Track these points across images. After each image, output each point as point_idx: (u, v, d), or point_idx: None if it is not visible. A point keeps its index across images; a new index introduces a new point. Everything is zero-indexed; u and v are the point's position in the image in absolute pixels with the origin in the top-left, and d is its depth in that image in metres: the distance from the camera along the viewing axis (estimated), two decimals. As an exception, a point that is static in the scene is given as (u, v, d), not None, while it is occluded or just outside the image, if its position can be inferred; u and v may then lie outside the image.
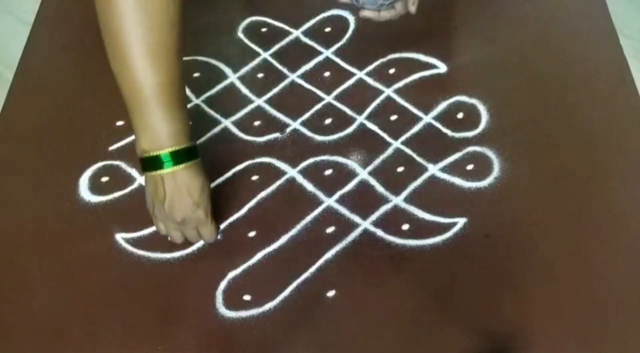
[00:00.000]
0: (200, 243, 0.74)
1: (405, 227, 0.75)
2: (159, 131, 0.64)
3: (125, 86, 0.64)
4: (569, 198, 0.76)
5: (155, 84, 0.62)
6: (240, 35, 0.93)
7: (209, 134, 0.83)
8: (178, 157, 0.65)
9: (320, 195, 0.77)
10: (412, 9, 0.81)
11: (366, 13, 0.82)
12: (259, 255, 0.73)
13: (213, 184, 0.79)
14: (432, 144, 0.81)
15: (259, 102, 0.86)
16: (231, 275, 0.72)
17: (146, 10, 0.61)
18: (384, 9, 0.81)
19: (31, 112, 0.87)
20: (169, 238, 0.71)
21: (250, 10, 0.96)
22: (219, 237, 0.74)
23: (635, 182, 0.78)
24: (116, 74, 0.64)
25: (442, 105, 0.85)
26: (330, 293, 0.70)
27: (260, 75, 0.89)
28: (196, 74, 0.89)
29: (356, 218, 0.76)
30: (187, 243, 0.73)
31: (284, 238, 0.74)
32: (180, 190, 0.66)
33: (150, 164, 0.65)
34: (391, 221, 0.75)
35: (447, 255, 0.72)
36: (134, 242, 0.75)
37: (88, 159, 0.81)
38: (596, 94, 0.85)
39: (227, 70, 0.89)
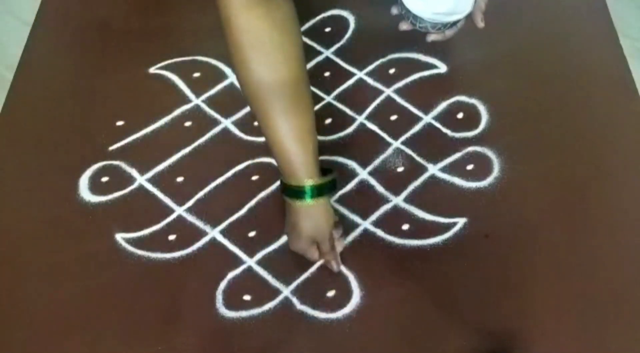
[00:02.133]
0: (201, 243, 0.74)
1: (405, 227, 0.75)
2: (308, 169, 0.67)
3: (273, 145, 0.67)
4: (569, 198, 0.76)
5: (298, 129, 0.66)
6: (240, 35, 0.93)
7: (209, 134, 0.83)
8: (320, 191, 0.68)
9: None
10: (481, 24, 0.81)
11: (433, 37, 0.83)
12: (259, 255, 0.73)
13: (213, 184, 0.79)
14: (432, 144, 0.81)
15: (259, 102, 0.86)
16: (231, 275, 0.72)
17: (291, 95, 0.65)
18: (447, 29, 0.82)
19: (31, 112, 0.87)
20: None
21: (250, 10, 0.96)
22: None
23: (635, 182, 0.78)
24: (267, 135, 0.67)
25: (442, 105, 0.85)
26: (330, 293, 0.70)
27: (260, 75, 0.89)
28: (196, 74, 0.89)
29: (356, 218, 0.76)
30: (186, 242, 0.74)
31: (284, 238, 0.74)
32: (312, 220, 0.69)
33: (295, 192, 0.68)
34: (391, 221, 0.75)
35: (447, 255, 0.72)
36: (134, 242, 0.75)
37: (88, 159, 0.81)
38: (596, 94, 0.85)
39: (227, 70, 0.89)
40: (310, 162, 0.66)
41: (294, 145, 0.65)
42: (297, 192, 0.67)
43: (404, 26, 0.84)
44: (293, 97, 0.65)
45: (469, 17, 0.82)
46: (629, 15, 1.01)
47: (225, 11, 0.61)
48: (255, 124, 0.84)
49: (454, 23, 0.81)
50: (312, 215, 0.68)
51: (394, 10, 0.86)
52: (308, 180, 0.66)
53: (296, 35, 0.66)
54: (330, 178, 0.69)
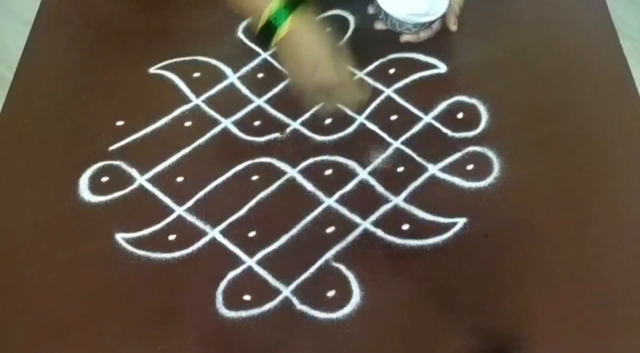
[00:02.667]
0: (201, 243, 0.74)
1: (405, 227, 0.75)
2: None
3: None
4: (569, 198, 0.76)
5: None
6: (240, 35, 0.93)
7: (209, 134, 0.83)
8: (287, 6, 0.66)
9: (320, 195, 0.77)
10: (454, 27, 0.83)
11: (406, 37, 0.86)
12: (259, 255, 0.73)
13: (213, 184, 0.79)
14: (432, 144, 0.81)
15: (259, 102, 0.86)
16: (231, 275, 0.72)
17: None
18: (422, 31, 0.83)
19: (31, 112, 0.87)
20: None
21: (250, 10, 0.96)
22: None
23: (635, 182, 0.78)
24: None
25: (442, 105, 0.85)
26: (330, 293, 0.71)
27: (260, 75, 0.89)
28: (196, 74, 0.89)
29: (356, 218, 0.76)
30: (186, 242, 0.74)
31: (284, 238, 0.74)
32: (314, 44, 0.67)
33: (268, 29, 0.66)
34: (391, 221, 0.75)
35: (447, 255, 0.72)
36: (134, 242, 0.75)
37: (88, 159, 0.81)
38: (596, 94, 0.85)
39: (227, 70, 0.89)
40: None
41: None
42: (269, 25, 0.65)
43: (379, 25, 0.87)
44: None
45: (444, 19, 0.84)
46: (629, 15, 1.01)
47: None
48: (256, 123, 0.84)
49: (429, 24, 0.83)
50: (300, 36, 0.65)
51: (370, 10, 0.89)
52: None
53: None
54: None
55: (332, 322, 0.69)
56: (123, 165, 0.81)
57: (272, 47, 0.67)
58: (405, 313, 0.69)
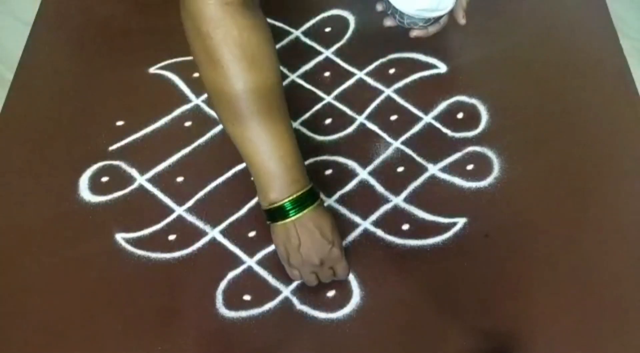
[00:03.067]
0: (201, 243, 0.74)
1: (405, 227, 0.75)
2: (280, 183, 0.64)
3: (244, 146, 0.64)
4: (569, 198, 0.76)
5: (272, 141, 0.64)
6: (240, 35, 0.93)
7: (209, 134, 0.83)
8: (302, 203, 0.65)
9: (320, 195, 0.77)
10: (463, 21, 0.83)
11: (415, 33, 0.87)
12: (259, 255, 0.73)
13: (213, 184, 0.79)
14: (432, 144, 0.81)
15: (259, 102, 0.86)
16: (231, 275, 0.72)
17: (257, 71, 0.62)
18: (431, 25, 0.84)
19: (31, 112, 0.87)
20: (304, 280, 0.69)
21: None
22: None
23: (635, 182, 0.78)
24: (234, 136, 0.65)
25: (442, 105, 0.85)
26: (330, 293, 0.70)
27: (260, 75, 0.89)
28: (196, 74, 0.89)
29: (356, 219, 0.76)
30: (186, 242, 0.74)
31: (284, 238, 0.74)
32: (313, 234, 0.65)
33: (277, 214, 0.65)
34: (391, 221, 0.75)
35: (447, 255, 0.72)
36: (134, 242, 0.75)
37: (88, 159, 0.81)
38: (596, 94, 0.85)
39: (227, 70, 0.89)
40: (288, 177, 0.64)
41: (274, 161, 0.63)
42: (278, 210, 0.64)
43: (388, 22, 0.88)
44: (273, 106, 0.63)
45: (452, 14, 0.84)
46: (629, 15, 1.01)
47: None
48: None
49: (437, 19, 0.84)
50: (308, 228, 0.65)
51: (379, 7, 0.90)
52: (288, 197, 0.64)
53: (273, 45, 0.64)
54: (308, 188, 0.65)
55: (332, 322, 0.69)
56: (123, 165, 0.81)
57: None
58: (405, 313, 0.69)
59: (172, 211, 0.77)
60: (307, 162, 0.80)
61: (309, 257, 0.65)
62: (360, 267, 0.72)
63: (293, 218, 0.64)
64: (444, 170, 0.79)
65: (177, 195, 0.78)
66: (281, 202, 0.64)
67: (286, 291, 0.71)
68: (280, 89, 0.65)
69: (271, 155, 0.64)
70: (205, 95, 0.87)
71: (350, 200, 0.77)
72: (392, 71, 0.88)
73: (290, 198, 0.64)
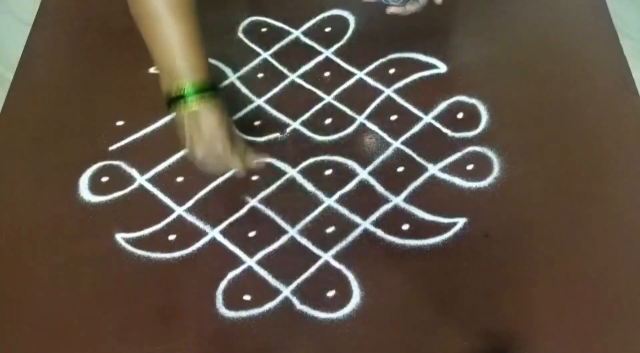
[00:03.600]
0: (201, 243, 0.74)
1: (405, 227, 0.75)
2: (179, 75, 0.68)
3: (151, 39, 0.70)
4: (568, 198, 0.76)
5: (177, 36, 0.69)
6: (240, 35, 0.93)
7: (209, 134, 0.83)
8: (199, 98, 0.68)
9: (320, 195, 0.77)
10: (439, 1, 0.81)
11: (392, 9, 0.84)
12: (259, 255, 0.73)
13: (213, 184, 0.79)
14: (432, 144, 0.81)
15: (259, 102, 0.86)
16: (231, 275, 0.72)
17: None
18: (409, 3, 0.82)
19: (31, 112, 0.87)
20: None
21: (251, 10, 0.96)
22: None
23: (635, 182, 0.78)
24: (144, 30, 0.70)
25: (442, 105, 0.85)
26: (330, 293, 0.71)
27: (260, 75, 0.89)
28: (196, 74, 0.89)
29: (356, 218, 0.76)
30: (186, 242, 0.74)
31: (284, 238, 0.74)
32: (197, 129, 0.68)
33: (174, 104, 0.69)
34: (391, 221, 0.75)
35: (447, 255, 0.72)
36: (134, 242, 0.75)
37: (88, 159, 0.81)
38: (596, 94, 0.85)
39: (227, 70, 0.89)
40: (189, 66, 0.68)
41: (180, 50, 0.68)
42: (179, 97, 0.68)
43: None
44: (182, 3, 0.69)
45: None
46: (629, 15, 1.01)
47: None
48: (256, 123, 0.84)
49: None
50: (194, 123, 0.68)
51: None
52: (187, 82, 0.67)
53: None
54: (206, 85, 0.69)
55: (332, 322, 0.69)
56: (123, 165, 0.81)
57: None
58: (405, 313, 0.69)
59: (172, 211, 0.77)
60: (307, 162, 0.80)
61: (192, 152, 0.70)
62: (360, 267, 0.72)
63: (188, 110, 0.68)
64: (444, 170, 0.79)
65: (177, 195, 0.78)
66: (179, 93, 0.68)
67: (286, 291, 0.71)
68: None
69: (175, 49, 0.69)
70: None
71: (350, 200, 0.77)
72: (392, 71, 0.88)
73: (188, 91, 0.68)
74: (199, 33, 0.71)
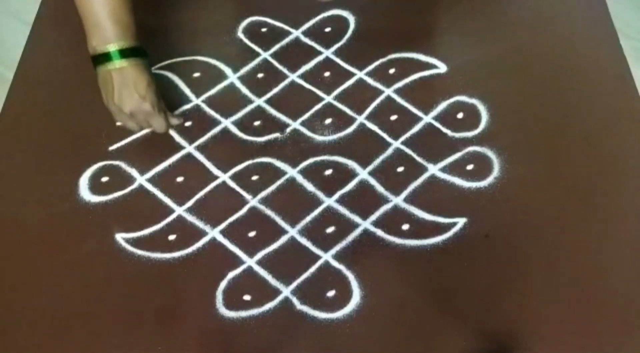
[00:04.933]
0: (201, 243, 0.74)
1: (405, 227, 0.75)
2: (104, 32, 0.74)
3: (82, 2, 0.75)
4: (569, 197, 0.76)
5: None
6: (240, 35, 0.93)
7: (209, 134, 0.83)
8: (122, 55, 0.74)
9: (320, 195, 0.77)
10: None
11: None
12: (259, 255, 0.73)
13: (213, 184, 0.79)
14: (432, 144, 0.81)
15: (259, 102, 0.86)
16: (231, 275, 0.72)
17: None
18: None
19: (31, 112, 0.87)
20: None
21: (250, 10, 0.96)
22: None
23: (635, 182, 0.78)
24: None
25: (442, 105, 0.85)
26: (330, 293, 0.71)
27: (260, 75, 0.89)
28: (196, 74, 0.89)
29: (356, 218, 0.76)
30: (186, 242, 0.74)
31: (284, 238, 0.74)
32: (127, 85, 0.75)
33: (99, 60, 0.75)
34: (391, 221, 0.75)
35: (447, 255, 0.72)
36: (134, 242, 0.75)
37: (88, 159, 0.82)
38: (596, 94, 0.85)
39: (227, 70, 0.89)
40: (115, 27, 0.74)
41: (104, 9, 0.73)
42: (104, 55, 0.74)
43: None
44: None
45: None
46: (629, 15, 1.01)
47: None
48: (256, 123, 0.84)
49: None
50: (124, 79, 0.74)
51: None
52: (114, 37, 0.73)
53: None
54: (131, 45, 0.75)
55: (332, 322, 0.69)
56: (123, 165, 0.81)
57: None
58: (405, 314, 0.69)
59: (172, 211, 0.77)
60: (307, 162, 0.80)
61: (121, 106, 0.76)
62: (360, 267, 0.72)
63: (112, 68, 0.74)
64: (444, 170, 0.79)
65: (177, 195, 0.78)
66: (103, 51, 0.74)
67: (286, 291, 0.71)
68: None
69: (102, 6, 0.74)
70: (205, 95, 0.87)
71: (350, 200, 0.77)
72: (392, 71, 0.88)
73: (113, 48, 0.74)
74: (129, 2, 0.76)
